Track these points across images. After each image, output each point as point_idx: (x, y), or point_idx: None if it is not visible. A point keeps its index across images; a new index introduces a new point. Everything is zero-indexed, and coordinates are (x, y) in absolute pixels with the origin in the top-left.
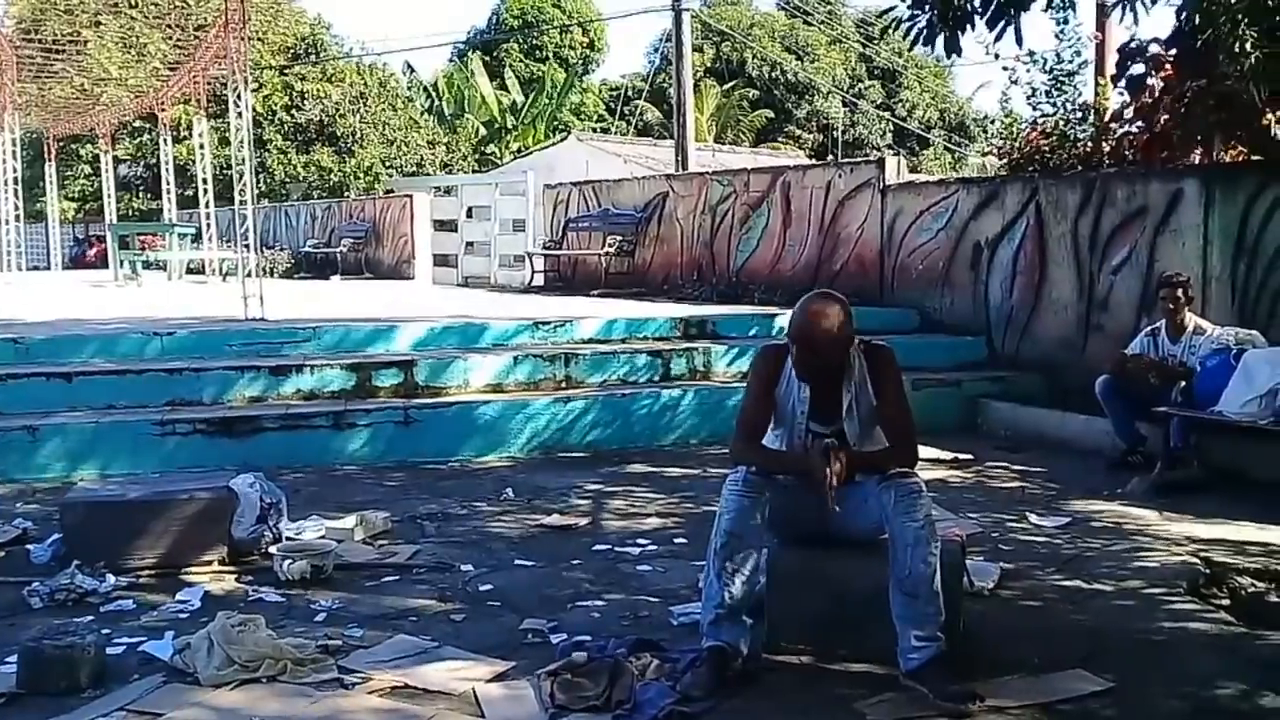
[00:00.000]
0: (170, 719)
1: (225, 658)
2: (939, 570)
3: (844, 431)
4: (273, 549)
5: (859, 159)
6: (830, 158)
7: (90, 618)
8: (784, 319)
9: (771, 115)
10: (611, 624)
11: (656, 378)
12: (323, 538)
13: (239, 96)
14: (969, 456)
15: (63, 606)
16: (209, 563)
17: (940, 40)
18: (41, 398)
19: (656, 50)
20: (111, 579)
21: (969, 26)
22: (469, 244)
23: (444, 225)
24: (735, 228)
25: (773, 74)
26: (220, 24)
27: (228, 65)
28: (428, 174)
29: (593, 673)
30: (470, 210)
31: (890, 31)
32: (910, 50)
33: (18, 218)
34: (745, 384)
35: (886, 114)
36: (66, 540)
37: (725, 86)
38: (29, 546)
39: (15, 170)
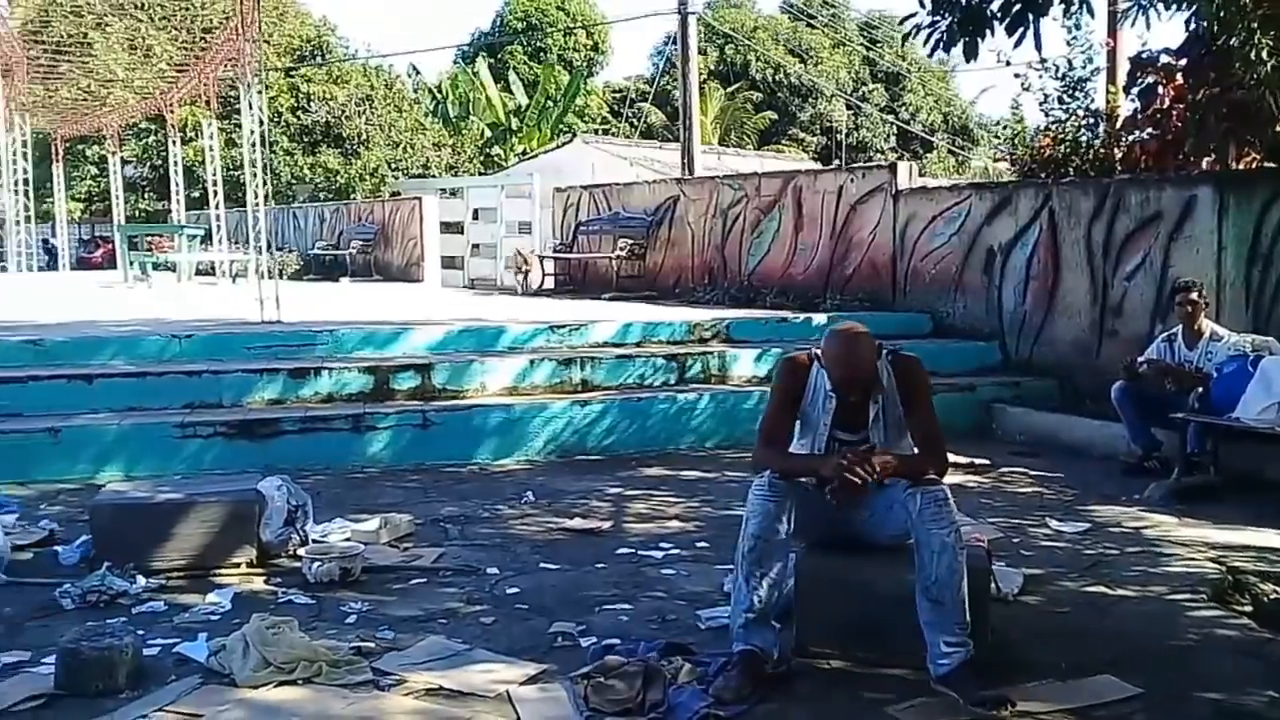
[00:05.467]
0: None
1: (261, 659)
2: (965, 577)
3: (868, 439)
4: (301, 551)
5: (871, 164)
6: (835, 161)
7: (123, 619)
8: (798, 323)
9: (775, 118)
10: (640, 627)
11: (672, 381)
12: (349, 540)
13: (250, 100)
14: (986, 461)
15: (94, 608)
16: (237, 565)
17: (960, 46)
18: (63, 399)
19: (660, 53)
20: (142, 580)
21: (988, 32)
22: (475, 246)
23: (450, 227)
24: (746, 232)
25: (776, 77)
26: (231, 26)
27: (236, 67)
28: (433, 176)
29: (626, 676)
30: (476, 212)
31: (911, 38)
32: (930, 56)
33: (27, 219)
34: (769, 390)
35: (890, 117)
36: (96, 542)
37: (729, 89)
38: (56, 548)
39: (25, 171)
